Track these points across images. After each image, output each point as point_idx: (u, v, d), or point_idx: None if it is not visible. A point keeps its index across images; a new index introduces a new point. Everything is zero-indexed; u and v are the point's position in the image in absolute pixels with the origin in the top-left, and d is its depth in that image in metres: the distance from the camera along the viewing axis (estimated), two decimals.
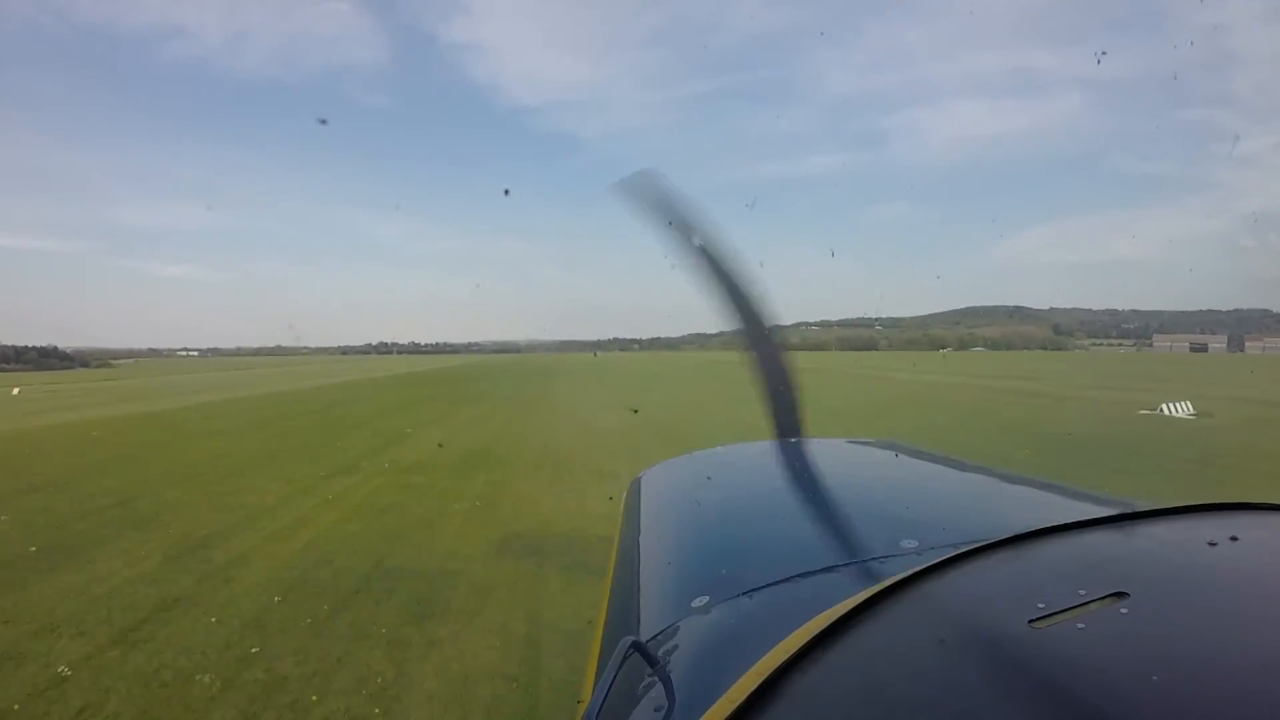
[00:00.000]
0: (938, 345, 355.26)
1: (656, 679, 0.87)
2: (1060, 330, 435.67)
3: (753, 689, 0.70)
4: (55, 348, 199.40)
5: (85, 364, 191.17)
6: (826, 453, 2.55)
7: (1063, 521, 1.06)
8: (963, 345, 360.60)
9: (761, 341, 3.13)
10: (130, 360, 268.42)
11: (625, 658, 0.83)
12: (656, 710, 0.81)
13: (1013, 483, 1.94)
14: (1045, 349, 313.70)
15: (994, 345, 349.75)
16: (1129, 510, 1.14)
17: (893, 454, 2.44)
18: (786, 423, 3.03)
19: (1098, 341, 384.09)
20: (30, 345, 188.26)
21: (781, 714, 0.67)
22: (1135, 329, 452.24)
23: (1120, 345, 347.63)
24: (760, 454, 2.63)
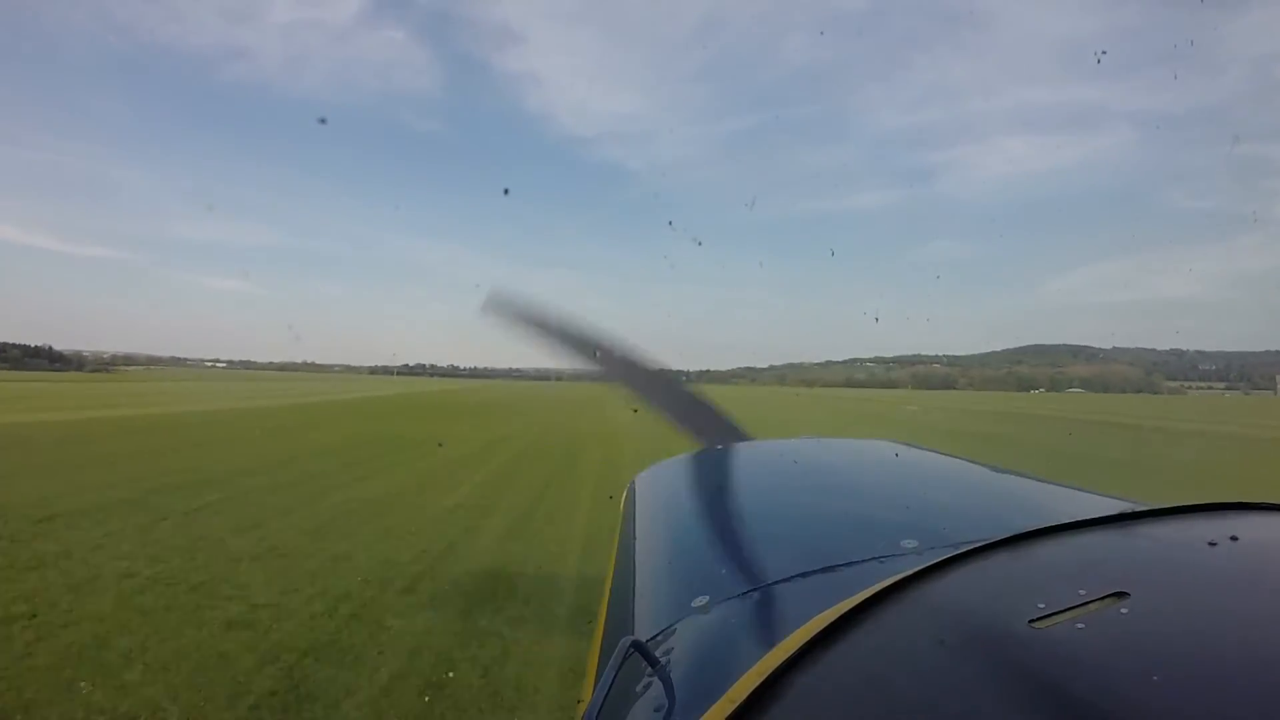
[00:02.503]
0: (1026, 385, 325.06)
1: (656, 679, 0.86)
2: (1150, 371, 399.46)
3: (753, 689, 0.70)
4: (49, 348, 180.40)
5: (80, 367, 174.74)
6: (826, 453, 2.52)
7: (1063, 521, 1.06)
8: (1054, 385, 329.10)
9: (656, 382, 3.42)
10: (142, 367, 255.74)
11: (625, 657, 0.83)
12: (656, 710, 0.81)
13: (1013, 483, 1.92)
14: (1140, 391, 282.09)
15: (1088, 385, 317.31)
16: (1129, 510, 1.14)
17: (893, 454, 2.38)
18: (715, 429, 3.05)
19: (1187, 385, 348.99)
20: (13, 343, 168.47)
21: (782, 714, 0.67)
22: (1214, 371, 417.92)
23: (1209, 388, 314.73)
24: (760, 454, 2.61)
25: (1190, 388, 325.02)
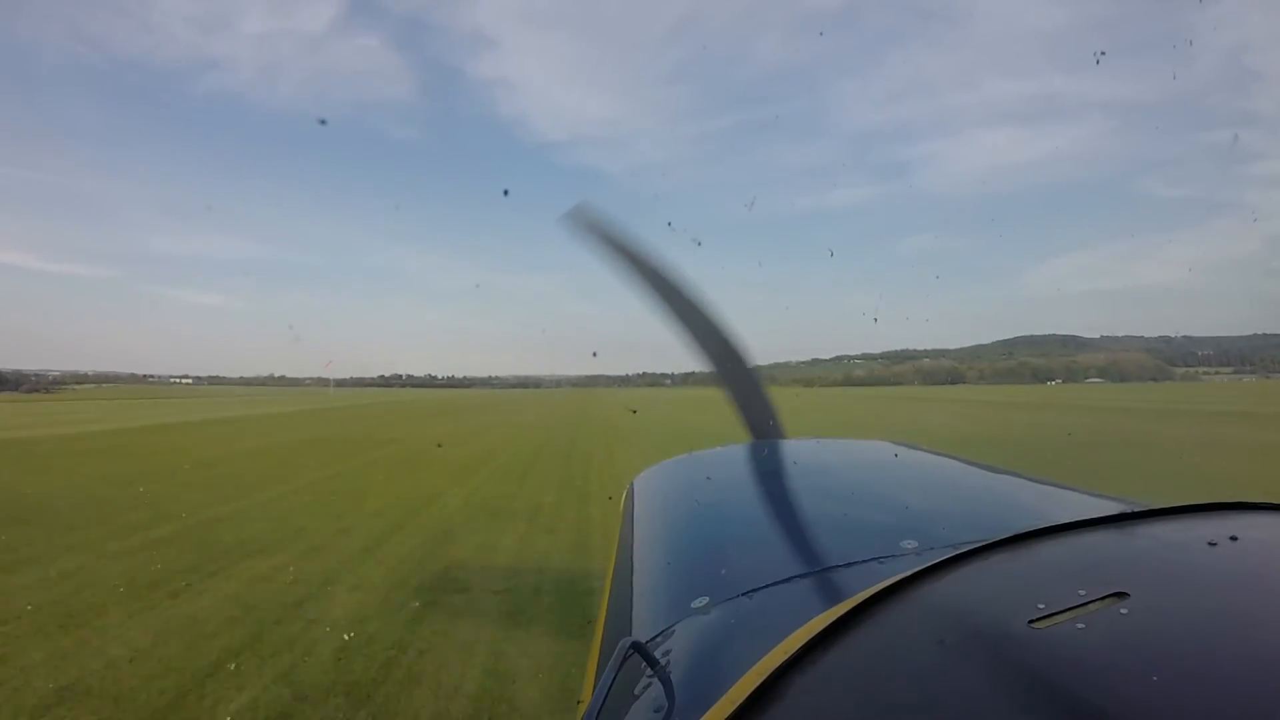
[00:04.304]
0: (1042, 377, 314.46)
1: (656, 679, 0.86)
2: (1168, 358, 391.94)
3: (753, 689, 0.70)
4: None
5: (18, 386, 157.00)
6: (826, 453, 2.52)
7: (1063, 521, 1.05)
8: (1071, 375, 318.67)
9: (724, 354, 3.25)
10: (94, 385, 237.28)
11: (625, 658, 0.82)
12: (656, 711, 0.81)
13: (1013, 483, 1.91)
14: (1156, 380, 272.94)
15: (1103, 374, 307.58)
16: (1129, 510, 1.14)
17: (893, 454, 2.38)
18: (763, 425, 3.09)
19: (1192, 370, 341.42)
20: None
21: (781, 714, 0.67)
22: (1213, 356, 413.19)
23: (1216, 373, 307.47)
24: (760, 454, 2.61)
25: (1198, 373, 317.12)
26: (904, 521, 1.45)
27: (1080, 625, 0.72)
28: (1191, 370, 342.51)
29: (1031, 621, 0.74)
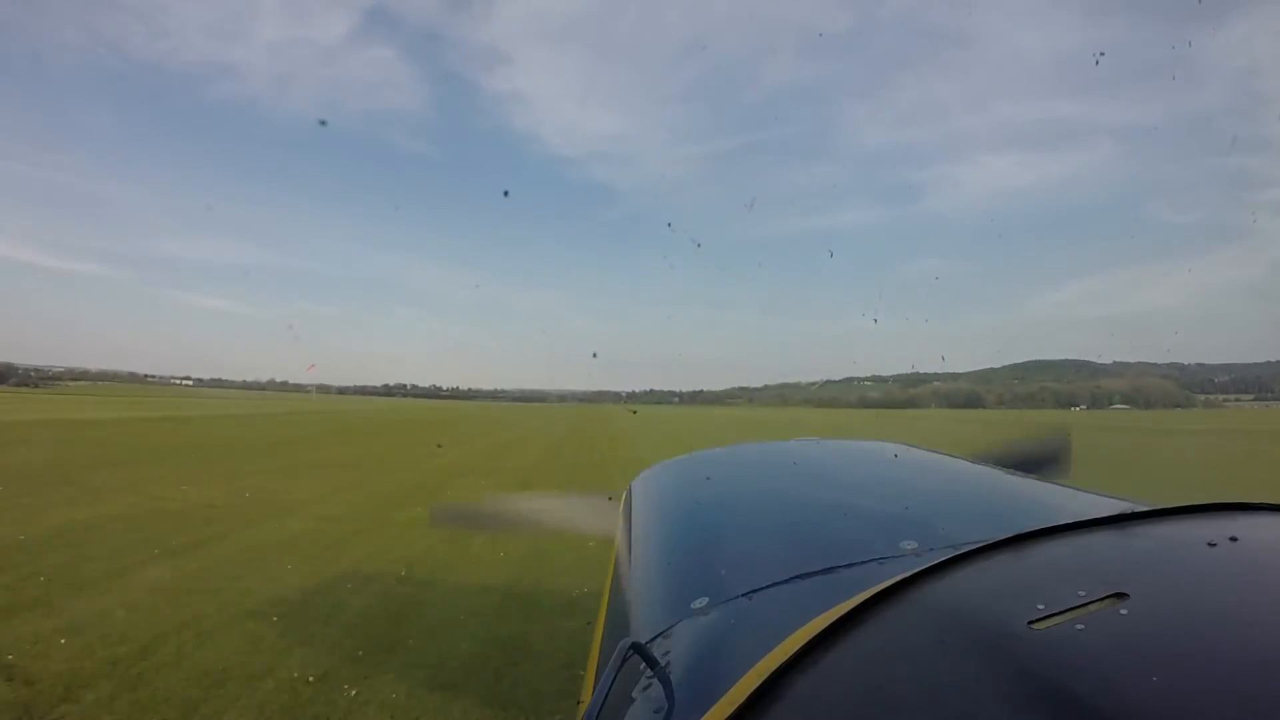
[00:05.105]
0: (1064, 402, 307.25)
1: (656, 680, 0.86)
2: (1184, 385, 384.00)
3: (752, 690, 0.70)
4: None
5: (3, 381, 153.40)
6: (826, 453, 2.52)
7: (1063, 521, 1.05)
8: (1094, 402, 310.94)
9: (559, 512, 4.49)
10: (88, 383, 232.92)
11: (625, 659, 0.83)
12: (656, 712, 0.81)
13: (1013, 483, 1.92)
14: (1181, 406, 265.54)
15: (1130, 400, 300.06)
16: (1129, 510, 1.13)
17: (893, 454, 2.37)
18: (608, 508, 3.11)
19: (1215, 397, 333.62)
20: None
21: (781, 715, 0.67)
22: (1230, 383, 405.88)
23: (1236, 400, 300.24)
24: (760, 454, 2.62)
25: (1219, 400, 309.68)
26: (904, 521, 1.44)
27: (1080, 626, 0.72)
28: (1212, 397, 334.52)
29: (1031, 622, 0.74)
